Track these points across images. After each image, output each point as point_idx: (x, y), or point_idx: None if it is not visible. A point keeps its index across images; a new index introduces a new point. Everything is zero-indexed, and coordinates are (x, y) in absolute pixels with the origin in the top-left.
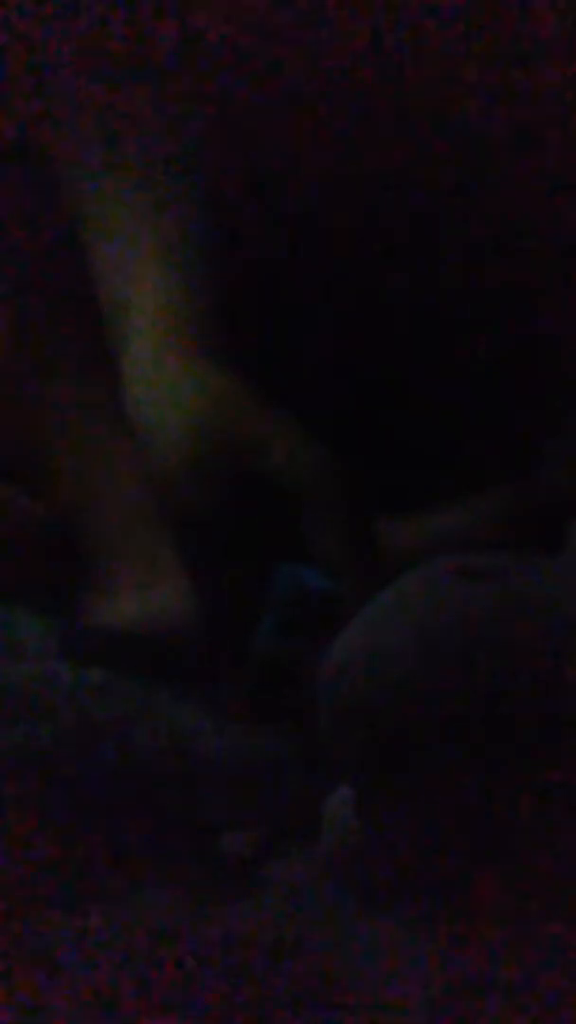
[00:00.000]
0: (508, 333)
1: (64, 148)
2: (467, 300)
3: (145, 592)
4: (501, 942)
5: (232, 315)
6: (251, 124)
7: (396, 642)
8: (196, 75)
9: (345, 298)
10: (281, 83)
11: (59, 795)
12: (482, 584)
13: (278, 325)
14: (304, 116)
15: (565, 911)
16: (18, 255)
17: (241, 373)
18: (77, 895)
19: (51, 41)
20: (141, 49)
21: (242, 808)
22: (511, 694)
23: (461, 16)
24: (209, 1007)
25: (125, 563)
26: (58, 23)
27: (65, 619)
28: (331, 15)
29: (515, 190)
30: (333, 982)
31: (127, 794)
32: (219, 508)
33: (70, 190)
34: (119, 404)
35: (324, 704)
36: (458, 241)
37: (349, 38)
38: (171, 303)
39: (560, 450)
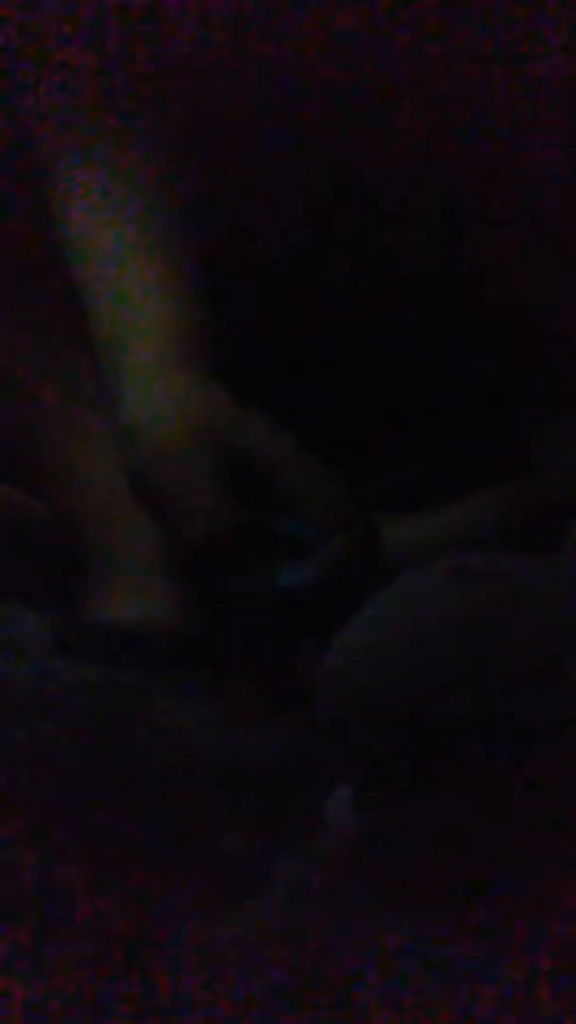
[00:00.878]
0: (508, 333)
1: (58, 168)
2: (467, 300)
3: (144, 592)
4: (502, 941)
5: (227, 319)
6: (252, 137)
7: (395, 642)
8: (194, 97)
9: (344, 299)
10: (278, 94)
11: (58, 793)
12: (480, 584)
13: (276, 325)
14: (303, 126)
15: (567, 909)
16: (13, 263)
17: (238, 386)
18: (77, 893)
19: (50, 65)
20: (142, 74)
21: (242, 806)
22: (510, 693)
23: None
24: (210, 1006)
25: (125, 563)
26: (58, 45)
27: (63, 617)
28: (325, 25)
29: (517, 190)
30: (333, 981)
31: (126, 792)
32: (215, 517)
33: (61, 210)
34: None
35: (324, 704)
36: (458, 241)
37: (343, 46)
38: (168, 322)
39: (560, 450)
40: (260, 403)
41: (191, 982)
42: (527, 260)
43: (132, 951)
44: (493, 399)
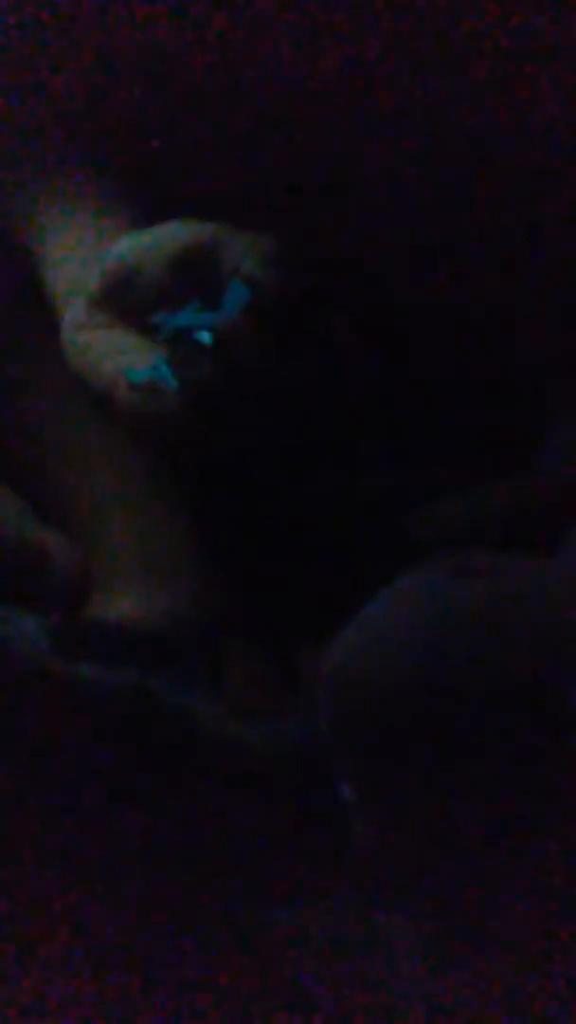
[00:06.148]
0: (508, 330)
1: (14, 180)
2: (467, 297)
3: (144, 590)
4: (503, 941)
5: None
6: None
7: (394, 642)
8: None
9: (344, 296)
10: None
11: (57, 793)
12: (479, 583)
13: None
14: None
15: (567, 909)
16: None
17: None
18: (77, 896)
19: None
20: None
21: (245, 804)
22: (508, 692)
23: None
24: (211, 1005)
25: (123, 562)
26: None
27: (62, 617)
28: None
29: (518, 186)
30: (334, 981)
31: (124, 791)
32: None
33: (22, 220)
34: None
35: (324, 704)
36: (459, 237)
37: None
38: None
39: (560, 449)
40: (258, 403)
41: (192, 980)
42: (527, 260)
43: (130, 952)
44: (495, 397)
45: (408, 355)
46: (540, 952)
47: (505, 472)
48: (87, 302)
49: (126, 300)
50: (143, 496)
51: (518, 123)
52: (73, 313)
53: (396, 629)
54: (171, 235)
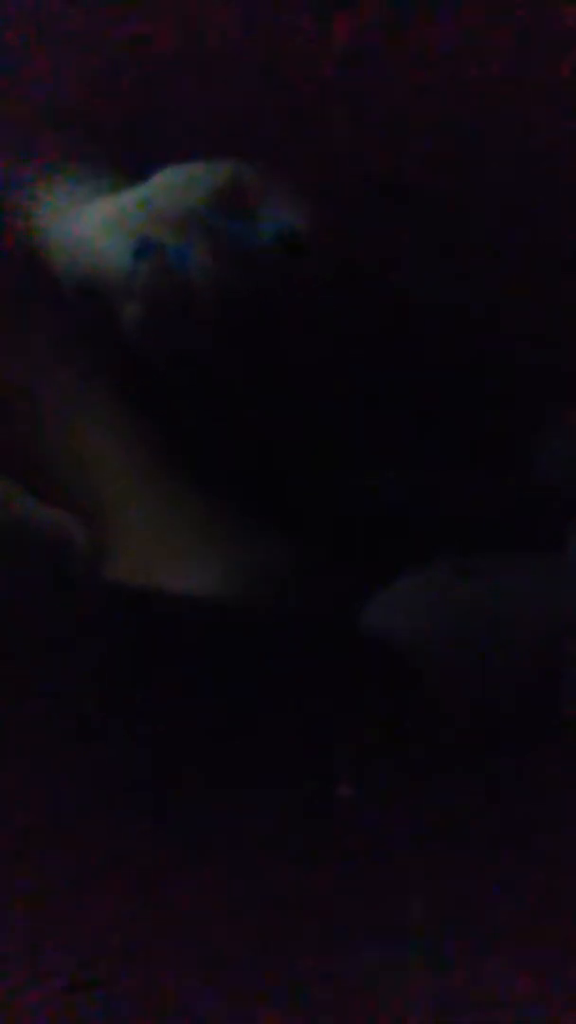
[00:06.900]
0: (505, 331)
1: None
2: (464, 299)
3: (155, 575)
4: (504, 942)
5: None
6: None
7: (394, 640)
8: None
9: (342, 295)
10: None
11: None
12: (479, 583)
13: (272, 327)
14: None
15: (568, 910)
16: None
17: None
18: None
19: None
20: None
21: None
22: (504, 690)
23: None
24: (211, 1005)
25: (136, 550)
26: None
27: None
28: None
29: (516, 191)
30: (335, 981)
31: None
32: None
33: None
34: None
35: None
36: (456, 240)
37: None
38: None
39: (559, 449)
40: (258, 404)
41: (194, 979)
42: (526, 260)
43: (130, 956)
44: (493, 397)
45: (409, 357)
46: (544, 951)
47: (501, 475)
48: (113, 201)
49: (161, 210)
50: (148, 490)
51: (514, 130)
52: (92, 207)
53: (396, 628)
54: (220, 168)
